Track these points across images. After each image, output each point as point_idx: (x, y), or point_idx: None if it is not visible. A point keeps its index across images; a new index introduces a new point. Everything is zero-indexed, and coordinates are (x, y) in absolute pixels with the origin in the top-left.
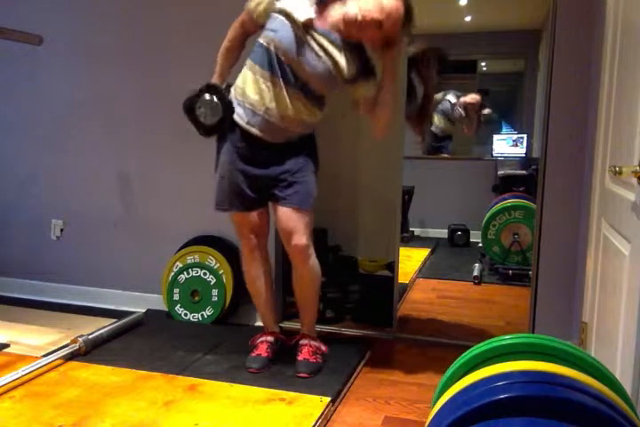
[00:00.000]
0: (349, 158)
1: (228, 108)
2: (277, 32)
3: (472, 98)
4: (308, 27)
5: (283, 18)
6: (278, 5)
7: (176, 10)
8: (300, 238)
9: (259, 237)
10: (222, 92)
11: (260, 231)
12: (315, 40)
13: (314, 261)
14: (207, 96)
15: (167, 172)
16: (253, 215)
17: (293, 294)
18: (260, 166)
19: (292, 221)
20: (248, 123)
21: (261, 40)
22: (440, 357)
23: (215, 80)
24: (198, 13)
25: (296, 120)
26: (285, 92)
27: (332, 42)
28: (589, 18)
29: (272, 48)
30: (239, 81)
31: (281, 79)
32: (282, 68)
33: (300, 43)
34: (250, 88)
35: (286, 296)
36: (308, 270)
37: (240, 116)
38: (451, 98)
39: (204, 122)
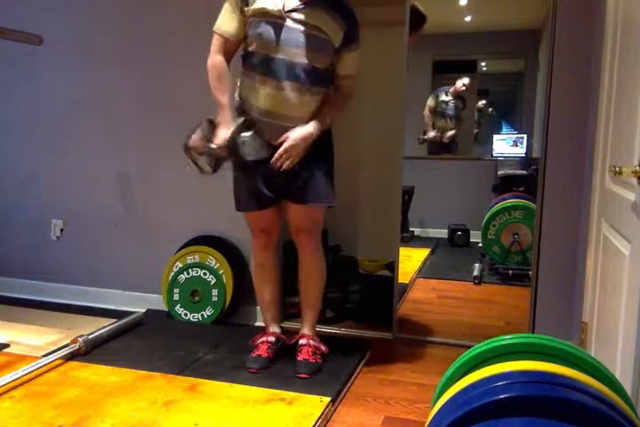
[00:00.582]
0: (349, 158)
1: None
2: (263, 35)
3: (462, 84)
4: (284, 13)
5: (259, 19)
6: (253, 7)
7: (176, 10)
8: (310, 231)
9: (270, 236)
10: (259, 127)
11: (272, 230)
12: (296, 21)
13: (321, 254)
14: (249, 133)
15: (167, 172)
16: (266, 214)
17: (295, 294)
18: (274, 168)
19: (303, 217)
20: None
21: (250, 48)
22: (440, 357)
23: (227, 114)
24: (198, 13)
25: (306, 116)
26: (289, 92)
27: (309, 13)
28: (589, 18)
29: (264, 51)
30: (241, 91)
31: (283, 80)
32: (281, 67)
33: (287, 32)
34: (253, 96)
35: (286, 297)
36: (315, 263)
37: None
38: (443, 97)
39: (248, 158)
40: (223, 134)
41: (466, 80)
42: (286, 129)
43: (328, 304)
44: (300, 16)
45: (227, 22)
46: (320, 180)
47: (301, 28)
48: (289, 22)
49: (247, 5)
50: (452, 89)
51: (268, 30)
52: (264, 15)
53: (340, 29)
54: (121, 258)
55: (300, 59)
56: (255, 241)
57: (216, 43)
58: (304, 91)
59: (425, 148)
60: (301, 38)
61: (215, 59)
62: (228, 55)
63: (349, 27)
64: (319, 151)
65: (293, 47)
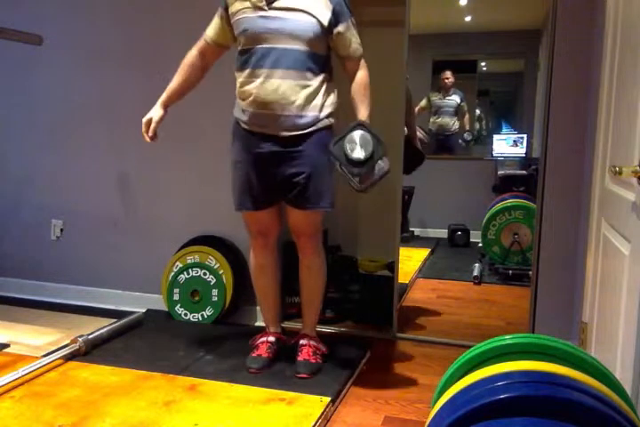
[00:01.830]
0: None
1: (378, 141)
2: (248, 29)
3: (444, 78)
4: (266, 5)
5: (242, 16)
6: (232, 7)
7: (176, 11)
8: (310, 233)
9: (267, 237)
10: (370, 128)
11: (269, 231)
12: (279, 8)
13: (322, 255)
14: (356, 131)
15: (167, 172)
16: (263, 214)
17: (295, 294)
18: (272, 167)
19: (302, 220)
20: (254, 124)
21: (241, 47)
22: (440, 357)
23: (161, 104)
24: (198, 14)
25: (301, 102)
26: (280, 80)
27: None
28: (589, 18)
29: (253, 44)
30: (238, 93)
31: (273, 68)
32: (271, 56)
33: (271, 21)
34: (247, 92)
35: (286, 296)
36: (316, 264)
37: (245, 122)
38: (436, 96)
39: (355, 157)
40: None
41: (446, 73)
42: (283, 118)
43: (328, 304)
44: (283, 2)
45: (211, 28)
46: (320, 184)
47: (286, 14)
48: (272, 12)
49: (227, 10)
50: (442, 84)
51: (251, 23)
52: (245, 11)
53: (327, 9)
54: (121, 258)
55: (289, 45)
56: (253, 242)
57: (198, 44)
58: (296, 77)
59: (424, 148)
60: (287, 24)
61: (190, 52)
62: (204, 56)
63: (336, 5)
64: (318, 152)
65: (280, 34)
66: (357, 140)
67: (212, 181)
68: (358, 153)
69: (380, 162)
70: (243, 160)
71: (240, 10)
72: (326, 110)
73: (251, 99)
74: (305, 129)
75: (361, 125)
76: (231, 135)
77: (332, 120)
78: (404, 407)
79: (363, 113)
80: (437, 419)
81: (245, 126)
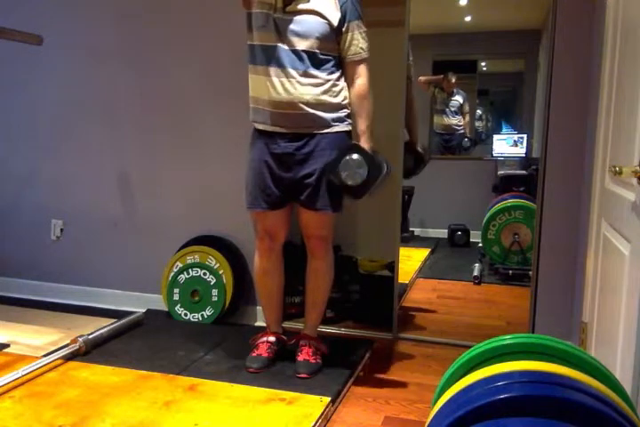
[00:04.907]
0: None
1: (373, 162)
2: (265, 26)
3: (452, 80)
4: (284, 6)
5: (260, 10)
6: None
7: (176, 9)
8: (320, 235)
9: (274, 239)
10: (364, 150)
11: (277, 233)
12: (295, 11)
13: (331, 258)
14: (349, 157)
15: (167, 172)
16: (274, 215)
17: (295, 294)
18: (285, 168)
19: (313, 222)
20: (268, 124)
21: (254, 42)
22: (440, 357)
23: None
24: (198, 13)
25: (313, 102)
26: (294, 79)
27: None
28: (589, 18)
29: (267, 42)
30: (250, 90)
31: (287, 68)
32: (284, 55)
33: (288, 21)
34: (260, 89)
35: (286, 296)
36: (324, 267)
37: (260, 122)
38: (441, 95)
39: (350, 184)
40: None
41: (453, 78)
42: (298, 117)
43: (328, 304)
44: (300, 4)
45: None
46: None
47: (297, 15)
48: (287, 15)
49: None
50: (445, 85)
51: (267, 21)
52: (263, 6)
53: (337, 10)
54: (121, 258)
55: (302, 45)
56: (259, 244)
57: None
58: (308, 76)
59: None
60: (297, 25)
61: None
62: None
63: (343, 5)
64: (332, 155)
65: (295, 35)
66: (351, 167)
67: (212, 181)
68: (352, 180)
69: (382, 167)
70: (257, 159)
71: (257, 2)
72: (343, 110)
73: (265, 99)
74: (321, 129)
75: (356, 148)
76: (251, 135)
77: (349, 125)
78: (404, 407)
79: (361, 126)
80: (437, 419)
81: (260, 127)
